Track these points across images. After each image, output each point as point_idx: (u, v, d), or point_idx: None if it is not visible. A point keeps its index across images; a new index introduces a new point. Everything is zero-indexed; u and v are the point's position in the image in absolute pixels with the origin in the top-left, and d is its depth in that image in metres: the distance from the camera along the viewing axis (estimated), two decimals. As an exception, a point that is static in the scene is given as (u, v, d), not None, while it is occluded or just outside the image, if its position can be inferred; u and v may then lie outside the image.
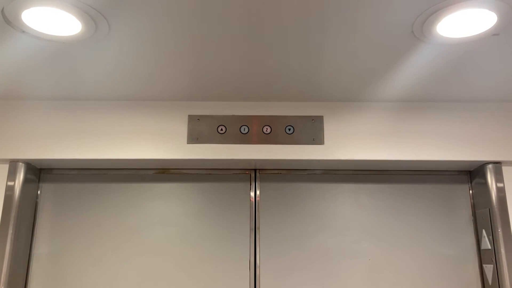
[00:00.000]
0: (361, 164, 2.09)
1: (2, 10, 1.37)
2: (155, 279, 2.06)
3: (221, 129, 2.04)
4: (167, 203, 2.16)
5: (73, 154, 2.00)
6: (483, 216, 2.06)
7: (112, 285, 2.05)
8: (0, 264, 1.90)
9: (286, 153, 2.02)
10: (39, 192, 2.16)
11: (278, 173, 2.20)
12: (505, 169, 2.03)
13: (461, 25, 1.45)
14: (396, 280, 2.06)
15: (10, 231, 1.94)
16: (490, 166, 2.04)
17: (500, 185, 2.01)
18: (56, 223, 2.12)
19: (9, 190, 2.00)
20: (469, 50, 1.62)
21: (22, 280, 2.02)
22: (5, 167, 2.02)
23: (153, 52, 1.64)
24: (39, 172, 2.18)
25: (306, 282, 2.05)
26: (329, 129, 2.05)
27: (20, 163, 2.03)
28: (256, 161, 2.06)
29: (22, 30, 1.47)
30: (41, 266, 2.06)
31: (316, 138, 2.04)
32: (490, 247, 2.00)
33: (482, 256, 2.06)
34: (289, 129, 2.05)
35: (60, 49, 1.61)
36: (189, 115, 2.06)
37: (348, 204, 2.16)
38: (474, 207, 2.15)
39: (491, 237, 1.99)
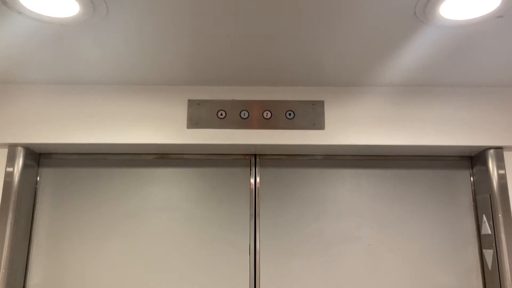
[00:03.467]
0: (362, 149, 2.08)
1: (-2, -10, 1.35)
2: (154, 263, 2.06)
3: (221, 114, 2.03)
4: (167, 188, 2.15)
5: (73, 138, 1.99)
6: (483, 201, 2.05)
7: (112, 268, 2.05)
8: (0, 248, 1.90)
9: (287, 138, 2.01)
10: (38, 177, 2.16)
11: (278, 159, 2.19)
12: (506, 154, 2.02)
13: (465, 6, 1.43)
14: (396, 265, 2.06)
15: (10, 216, 1.94)
16: (491, 151, 2.03)
17: (501, 170, 2.00)
18: (56, 207, 2.12)
19: (9, 176, 1.99)
20: (472, 33, 1.60)
21: (22, 264, 2.02)
22: (4, 152, 2.01)
23: (152, 35, 1.62)
24: (38, 157, 2.17)
25: (306, 267, 2.06)
26: (330, 114, 2.03)
27: (19, 148, 2.02)
28: (256, 146, 2.05)
29: (19, 11, 1.45)
30: (41, 251, 2.07)
31: (317, 123, 2.02)
32: (490, 232, 1.99)
33: (482, 241, 2.06)
34: (290, 114, 2.03)
35: (57, 31, 1.59)
36: (188, 100, 2.04)
37: (348, 189, 2.16)
38: (474, 193, 2.15)
39: (491, 223, 1.99)
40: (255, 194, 2.14)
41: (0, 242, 1.91)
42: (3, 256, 1.90)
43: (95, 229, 2.10)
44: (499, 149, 2.02)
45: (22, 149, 2.03)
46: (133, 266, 2.05)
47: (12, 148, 2.02)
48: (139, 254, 2.07)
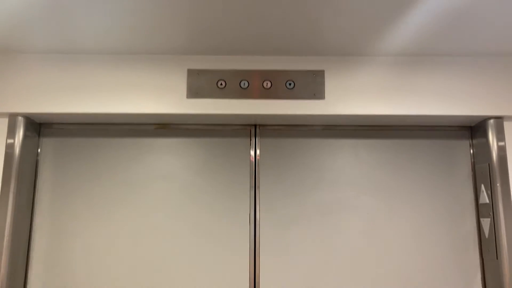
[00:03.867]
0: (362, 119, 2.08)
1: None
2: (154, 231, 2.09)
3: (221, 84, 2.02)
4: (167, 158, 2.16)
5: (73, 108, 1.99)
6: (482, 170, 2.06)
7: (113, 237, 2.08)
8: (3, 219, 1.93)
9: (287, 108, 2.00)
10: (39, 147, 2.17)
11: (278, 129, 2.20)
12: (506, 124, 2.02)
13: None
14: (394, 234, 2.09)
15: (12, 187, 1.96)
16: (491, 121, 2.03)
17: (501, 141, 2.00)
18: (57, 177, 2.14)
19: (10, 147, 2.00)
20: (473, 1, 1.58)
21: (26, 233, 2.05)
22: (5, 121, 2.02)
23: (151, 3, 1.60)
24: (39, 127, 2.18)
25: (306, 236, 2.09)
26: (331, 84, 2.03)
27: (20, 117, 2.03)
28: (256, 116, 2.05)
29: (15, -24, 1.43)
30: (44, 220, 2.09)
31: (317, 93, 2.02)
32: (488, 202, 2.01)
33: (480, 210, 2.08)
34: (290, 84, 2.02)
35: (55, -2, 1.58)
36: (188, 69, 2.03)
37: (348, 159, 2.17)
38: (474, 163, 2.16)
39: (489, 192, 2.01)
40: (255, 164, 2.16)
41: (3, 212, 1.93)
42: (7, 225, 1.92)
43: (96, 198, 2.12)
44: (499, 119, 2.02)
45: (22, 118, 2.04)
46: (134, 234, 2.08)
47: (12, 118, 2.02)
48: (139, 222, 2.10)
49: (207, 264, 2.06)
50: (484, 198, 2.03)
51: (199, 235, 2.09)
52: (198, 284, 2.03)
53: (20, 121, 2.03)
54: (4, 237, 1.91)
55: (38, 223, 2.09)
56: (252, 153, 2.17)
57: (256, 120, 2.13)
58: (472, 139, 2.18)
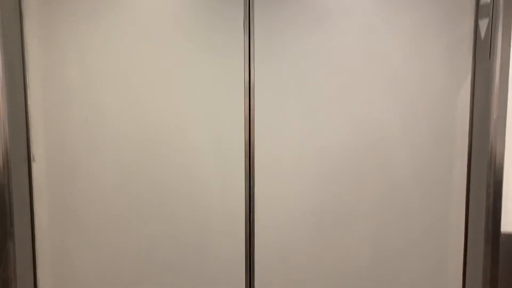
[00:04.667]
0: None
1: None
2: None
3: None
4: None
5: None
6: (487, -33, 1.93)
7: (111, 45, 2.06)
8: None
9: None
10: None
11: None
12: None
13: None
14: (392, 38, 2.05)
15: None
16: None
17: None
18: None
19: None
20: None
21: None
22: None
23: None
24: None
25: (300, 40, 2.05)
26: None
27: None
28: None
29: None
30: (35, 35, 2.04)
31: None
32: (489, 1, 1.93)
33: (480, 11, 2.01)
34: None
35: None
36: None
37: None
38: (480, -40, 2.01)
39: (492, -9, 1.91)
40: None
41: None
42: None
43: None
44: None
45: None
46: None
47: None
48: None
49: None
50: (486, -3, 1.95)
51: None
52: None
53: None
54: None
55: (29, 36, 2.04)
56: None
57: None
58: None
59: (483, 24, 1.97)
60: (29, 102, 2.05)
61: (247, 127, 2.07)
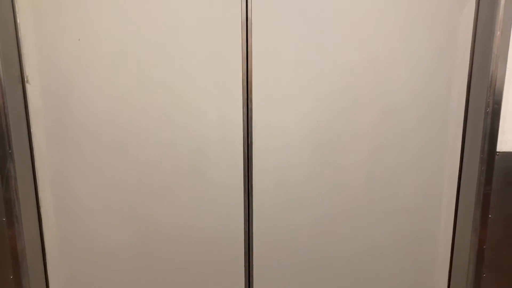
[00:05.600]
0: None
1: None
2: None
3: None
4: None
5: None
6: None
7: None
8: None
9: None
10: None
11: None
12: None
13: None
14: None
15: None
16: None
17: None
18: None
19: None
20: None
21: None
22: None
23: None
24: None
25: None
26: None
27: None
28: None
29: None
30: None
31: None
32: None
33: None
34: None
35: None
36: None
37: None
38: None
39: None
40: None
41: None
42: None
43: None
44: None
45: None
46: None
47: None
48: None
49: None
50: None
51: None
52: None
53: None
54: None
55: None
56: None
57: None
58: None
59: None
60: (18, 21, 1.98)
61: (244, 50, 2.01)
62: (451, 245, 2.24)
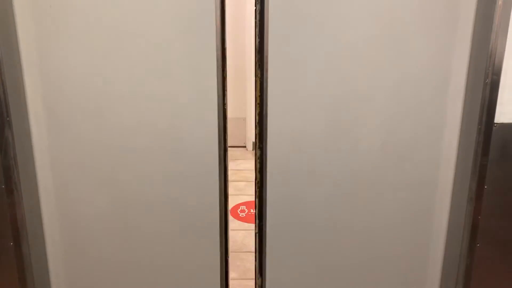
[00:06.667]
0: None
1: None
2: None
3: None
4: None
5: None
6: None
7: None
8: None
9: None
10: None
11: None
12: None
13: None
14: None
15: None
16: None
17: None
18: None
19: None
20: None
21: None
22: None
23: None
24: None
25: None
26: None
27: None
28: None
29: None
30: None
31: None
32: None
33: None
34: None
35: None
36: None
37: None
38: None
39: None
40: None
41: None
42: None
43: None
44: None
45: None
46: None
47: None
48: None
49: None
50: None
51: None
52: None
53: None
54: None
55: None
56: None
57: None
58: None
59: None
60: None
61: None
62: (448, 217, 2.25)
